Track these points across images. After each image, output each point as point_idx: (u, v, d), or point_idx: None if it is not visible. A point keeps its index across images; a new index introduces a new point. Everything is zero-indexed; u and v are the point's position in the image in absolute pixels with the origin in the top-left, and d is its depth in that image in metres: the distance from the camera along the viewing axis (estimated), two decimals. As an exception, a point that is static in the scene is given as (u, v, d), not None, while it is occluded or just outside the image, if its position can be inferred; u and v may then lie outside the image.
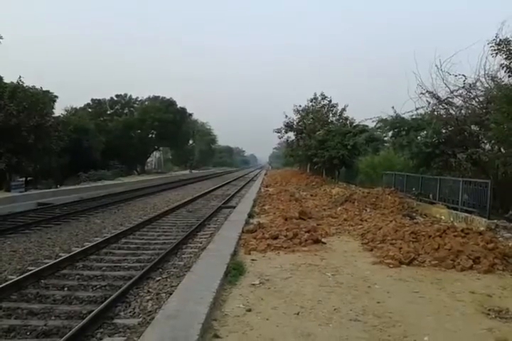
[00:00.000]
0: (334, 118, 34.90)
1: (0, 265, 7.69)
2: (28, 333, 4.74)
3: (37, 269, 6.98)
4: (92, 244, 9.20)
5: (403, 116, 16.34)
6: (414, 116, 16.04)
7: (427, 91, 14.45)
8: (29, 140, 22.64)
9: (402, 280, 6.21)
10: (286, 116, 36.12)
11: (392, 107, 16.60)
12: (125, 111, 51.16)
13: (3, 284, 6.13)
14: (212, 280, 5.47)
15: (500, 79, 13.21)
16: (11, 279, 6.49)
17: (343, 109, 34.32)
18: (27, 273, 6.73)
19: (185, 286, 5.34)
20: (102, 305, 5.26)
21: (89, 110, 47.86)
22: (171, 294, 5.30)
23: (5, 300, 5.74)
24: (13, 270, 7.37)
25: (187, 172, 60.83)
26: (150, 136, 51.09)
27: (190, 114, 58.03)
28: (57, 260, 7.69)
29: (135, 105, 52.36)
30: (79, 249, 8.65)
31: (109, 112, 50.22)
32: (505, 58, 12.22)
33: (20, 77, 24.19)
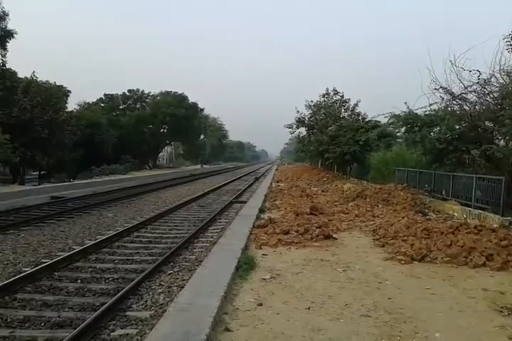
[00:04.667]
0: (346, 113, 34.61)
1: (14, 257, 7.80)
2: (42, 324, 4.81)
3: (51, 262, 7.07)
4: (104, 237, 9.28)
5: (416, 111, 16.15)
6: (427, 112, 15.83)
7: (441, 86, 14.20)
8: (43, 134, 22.91)
9: (413, 276, 6.18)
10: (298, 111, 35.94)
11: (405, 103, 16.40)
12: (137, 106, 51.36)
13: (18, 276, 6.24)
14: (223, 274, 5.50)
15: (516, 74, 13.00)
16: (26, 271, 6.60)
17: (356, 105, 34.05)
18: (41, 266, 6.82)
19: (197, 280, 5.37)
20: (115, 298, 5.33)
21: (102, 105, 48.15)
22: (182, 287, 5.33)
23: (20, 291, 5.83)
24: (27, 262, 7.48)
25: (198, 167, 61.05)
26: (162, 130, 51.28)
27: (202, 109, 58.07)
28: (70, 252, 7.79)
29: (147, 100, 52.53)
30: (92, 242, 8.74)
31: (121, 107, 50.49)
32: (522, 53, 12.01)
33: (34, 72, 24.46)
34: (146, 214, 13.52)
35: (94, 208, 14.69)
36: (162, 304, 5.31)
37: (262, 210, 12.54)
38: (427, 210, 12.94)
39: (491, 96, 13.75)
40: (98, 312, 4.85)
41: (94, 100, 48.11)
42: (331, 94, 35.51)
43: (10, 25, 22.03)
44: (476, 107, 14.18)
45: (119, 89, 63.83)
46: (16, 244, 8.91)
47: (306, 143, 37.89)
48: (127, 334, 4.48)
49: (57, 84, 27.58)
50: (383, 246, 8.16)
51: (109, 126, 37.62)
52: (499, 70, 13.15)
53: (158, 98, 51.99)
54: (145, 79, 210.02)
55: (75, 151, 28.11)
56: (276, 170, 55.42)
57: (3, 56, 22.04)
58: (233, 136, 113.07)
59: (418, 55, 18.42)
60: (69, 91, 28.98)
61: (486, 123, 13.83)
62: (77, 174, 29.10)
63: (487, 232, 8.02)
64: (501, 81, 13.34)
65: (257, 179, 32.31)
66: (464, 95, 14.14)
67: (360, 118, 32.31)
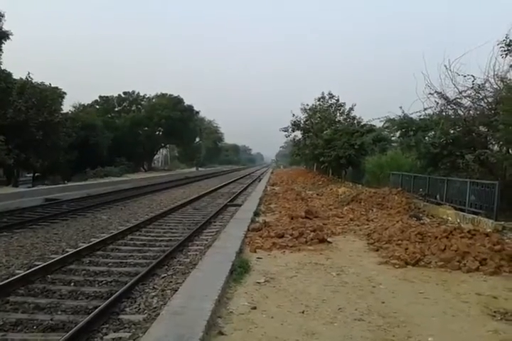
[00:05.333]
0: (341, 117, 34.78)
1: (7, 259, 7.76)
2: (35, 327, 4.78)
3: (44, 264, 7.04)
4: (98, 239, 9.26)
5: (411, 116, 16.24)
6: (422, 117, 15.93)
7: (436, 91, 14.30)
8: (37, 136, 22.81)
9: (407, 280, 6.19)
10: (294, 115, 36.03)
11: (400, 107, 16.51)
12: (133, 108, 51.26)
13: (11, 278, 6.20)
14: (217, 277, 5.48)
15: (510, 80, 13.10)
16: (18, 274, 6.56)
17: (351, 109, 34.21)
18: (34, 268, 6.79)
19: (191, 283, 5.35)
20: (108, 301, 5.30)
21: (97, 107, 48.04)
22: (176, 291, 5.32)
23: (12, 294, 5.80)
24: (20, 265, 7.44)
25: (193, 169, 60.96)
26: (157, 133, 51.23)
27: (198, 112, 58.12)
28: (63, 255, 7.76)
29: (142, 102, 52.47)
30: (85, 245, 8.71)
31: (116, 109, 50.39)
32: (515, 59, 12.11)
33: (29, 73, 24.35)
34: (140, 216, 13.49)
35: (89, 210, 14.64)
36: (155, 307, 5.30)
37: (256, 213, 12.53)
38: (421, 214, 12.97)
39: (485, 101, 13.86)
40: (91, 315, 4.82)
41: (90, 102, 48.06)
42: (327, 97, 35.70)
43: (5, 26, 21.99)
44: (471, 112, 14.28)
45: (115, 91, 63.79)
46: (9, 246, 8.86)
47: (301, 146, 37.97)
48: (120, 337, 4.46)
49: (53, 85, 27.52)
50: (377, 250, 8.16)
51: (104, 128, 37.52)
52: (493, 75, 13.27)
53: (154, 100, 51.95)
54: (141, 81, 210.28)
55: (69, 153, 28.01)
56: (272, 173, 55.45)
57: (-2, 57, 21.98)
58: (229, 138, 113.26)
59: (415, 60, 18.52)
60: (64, 93, 28.86)
61: (480, 128, 13.93)
62: (71, 176, 28.96)
63: (481, 237, 8.04)
64: (495, 86, 13.46)
65: (252, 182, 32.33)
66: (458, 100, 14.25)
67: (355, 122, 32.44)
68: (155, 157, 61.92)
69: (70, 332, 4.38)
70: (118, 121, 46.68)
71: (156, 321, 4.15)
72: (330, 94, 35.57)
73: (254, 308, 4.80)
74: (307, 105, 36.46)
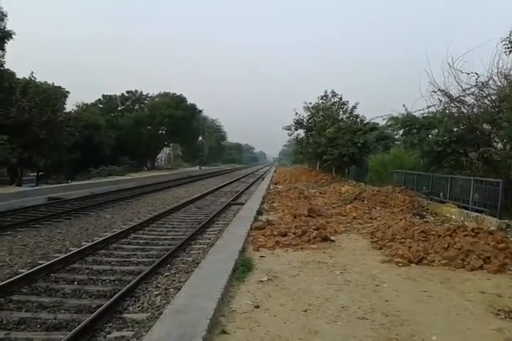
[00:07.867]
0: (345, 115, 34.63)
1: (11, 258, 7.78)
2: (38, 326, 4.80)
3: (47, 263, 7.06)
4: (101, 238, 9.27)
5: (414, 114, 16.21)
6: (425, 115, 15.90)
7: (439, 89, 14.23)
8: (40, 135, 22.83)
9: (411, 279, 6.18)
10: (297, 113, 35.94)
11: (403, 105, 16.48)
12: (136, 108, 51.27)
13: (14, 277, 6.21)
14: (220, 276, 5.48)
15: (514, 77, 13.04)
16: (22, 273, 6.57)
17: (354, 107, 34.07)
18: (37, 267, 6.80)
19: (194, 282, 5.35)
20: (111, 300, 5.31)
21: (100, 106, 48.08)
22: (179, 289, 5.31)
23: (16, 293, 5.81)
24: (23, 263, 7.45)
25: (196, 168, 60.99)
26: (160, 132, 51.22)
27: (201, 111, 58.08)
28: (67, 254, 7.77)
29: (146, 101, 52.47)
30: (89, 244, 8.72)
31: (119, 108, 50.41)
32: (519, 56, 12.04)
33: (32, 72, 24.39)
34: (143, 215, 13.50)
35: (92, 209, 14.66)
36: (159, 306, 5.30)
37: (259, 212, 12.52)
38: (424, 213, 12.95)
39: (489, 98, 13.79)
40: (94, 314, 4.83)
41: (93, 101, 48.11)
42: (329, 96, 35.55)
43: (8, 25, 22.02)
44: (474, 110, 14.21)
45: (118, 90, 64.00)
46: (12, 245, 8.88)
47: (304, 145, 37.89)
48: (123, 336, 4.47)
49: (56, 84, 27.59)
50: (381, 248, 8.15)
51: (107, 127, 37.56)
52: (497, 73, 13.20)
53: (157, 99, 51.94)
54: (144, 80, 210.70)
55: (72, 152, 28.04)
56: (275, 171, 55.40)
57: (2, 57, 22.02)
58: (231, 137, 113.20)
59: (418, 58, 18.45)
60: (67, 92, 28.96)
61: (484, 125, 13.86)
62: (74, 175, 29.05)
63: (484, 235, 8.01)
64: (499, 84, 13.39)
65: (255, 181, 32.34)
66: (461, 98, 14.18)
67: (358, 120, 32.33)
68: (158, 156, 62.02)
69: (74, 330, 4.39)
70: (121, 120, 46.71)
71: (159, 320, 4.15)
72: (333, 92, 35.45)
73: (257, 307, 4.80)
74: (310, 103, 36.35)
